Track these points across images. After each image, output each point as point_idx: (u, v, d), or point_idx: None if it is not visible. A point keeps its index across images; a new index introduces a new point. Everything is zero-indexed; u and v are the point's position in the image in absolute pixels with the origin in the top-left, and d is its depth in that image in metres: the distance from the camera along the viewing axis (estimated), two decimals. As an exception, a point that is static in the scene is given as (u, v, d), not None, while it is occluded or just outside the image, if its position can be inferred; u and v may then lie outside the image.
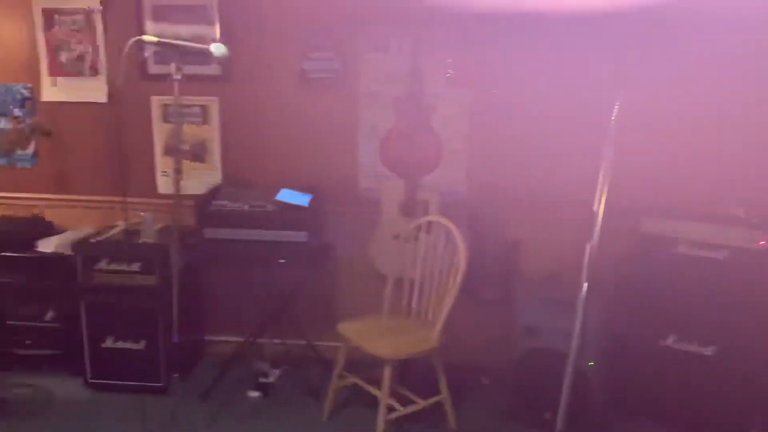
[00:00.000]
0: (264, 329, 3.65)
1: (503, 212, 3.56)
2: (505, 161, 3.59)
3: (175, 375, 3.48)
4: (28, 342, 3.63)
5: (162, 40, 2.36)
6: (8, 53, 3.76)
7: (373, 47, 3.58)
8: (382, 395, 2.96)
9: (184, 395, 3.44)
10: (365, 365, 3.20)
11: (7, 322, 3.58)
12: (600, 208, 2.10)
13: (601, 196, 2.11)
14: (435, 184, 3.60)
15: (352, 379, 3.25)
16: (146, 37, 2.24)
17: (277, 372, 3.69)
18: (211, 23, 3.59)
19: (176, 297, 2.69)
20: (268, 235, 3.31)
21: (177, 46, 2.29)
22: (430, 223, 3.22)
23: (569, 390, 2.29)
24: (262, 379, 3.60)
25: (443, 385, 3.16)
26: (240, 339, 3.72)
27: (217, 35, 3.58)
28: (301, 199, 3.39)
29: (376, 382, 3.04)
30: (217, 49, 2.13)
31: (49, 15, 3.68)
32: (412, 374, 3.28)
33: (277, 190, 3.46)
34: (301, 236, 3.32)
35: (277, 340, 3.75)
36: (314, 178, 3.67)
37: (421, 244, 3.21)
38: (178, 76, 2.37)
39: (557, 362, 2.70)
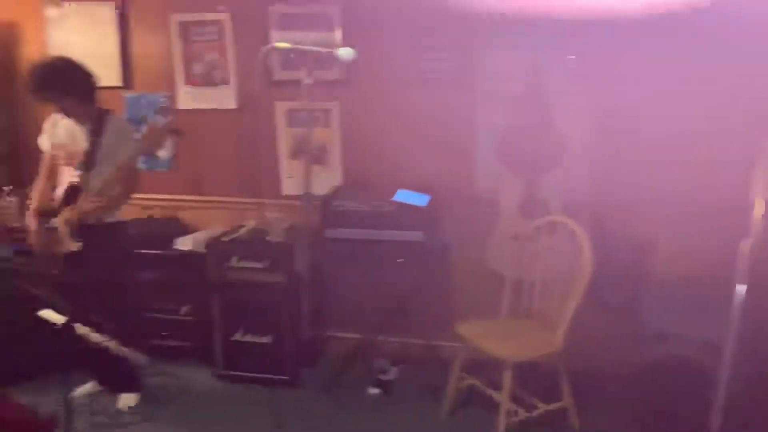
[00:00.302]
0: (383, 327, 3.71)
1: (631, 211, 3.40)
2: (633, 158, 3.43)
3: (301, 369, 3.62)
4: (165, 333, 3.91)
5: (294, 46, 2.47)
6: (148, 64, 4.07)
7: (492, 44, 3.53)
8: (503, 398, 2.92)
9: (308, 389, 3.57)
10: (484, 367, 3.17)
11: (147, 315, 3.87)
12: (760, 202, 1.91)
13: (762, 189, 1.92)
14: (556, 183, 3.50)
15: (471, 381, 3.23)
16: (279, 44, 2.35)
17: (395, 370, 3.74)
18: (332, 29, 3.69)
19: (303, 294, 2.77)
20: (386, 234, 3.37)
21: (307, 51, 2.38)
22: (552, 224, 3.13)
23: (721, 409, 2.11)
24: (382, 377, 3.66)
25: (566, 390, 3.07)
26: (360, 336, 3.80)
27: (340, 41, 3.68)
28: (418, 200, 3.41)
29: (496, 385, 3.01)
30: (345, 52, 2.20)
31: (184, 28, 3.95)
32: (533, 378, 3.21)
33: (394, 191, 3.51)
34: (418, 236, 3.35)
35: (395, 338, 3.80)
36: (431, 178, 3.68)
37: (543, 245, 3.13)
38: (310, 81, 2.46)
39: (689, 372, 2.55)
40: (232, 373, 3.66)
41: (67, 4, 4.09)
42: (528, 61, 3.47)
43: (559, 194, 3.40)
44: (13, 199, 3.81)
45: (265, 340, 3.58)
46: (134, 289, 3.70)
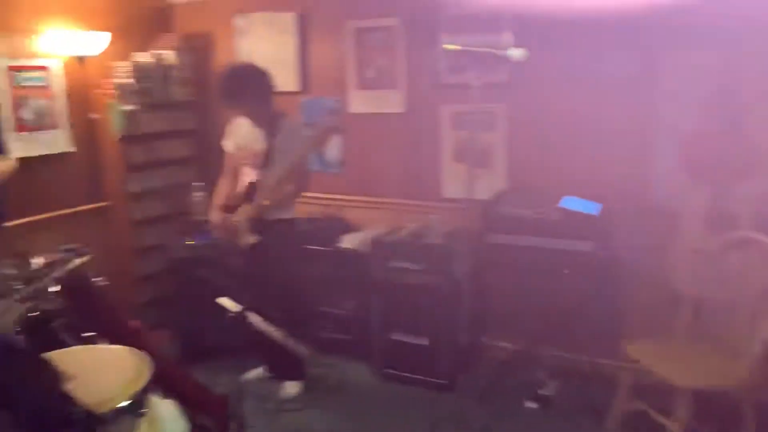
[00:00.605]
0: (543, 338, 3.57)
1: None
2: None
3: (458, 374, 3.59)
4: (329, 327, 4.07)
5: (464, 47, 2.45)
6: (323, 69, 4.27)
7: (677, 42, 3.26)
8: (674, 428, 2.68)
9: (463, 395, 3.53)
10: (654, 391, 2.92)
11: (315, 308, 4.06)
12: None
13: None
14: (748, 195, 3.13)
15: (640, 405, 3.00)
16: (448, 46, 2.34)
17: (555, 384, 3.58)
18: (502, 32, 3.62)
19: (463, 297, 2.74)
20: (552, 243, 3.23)
21: (477, 52, 2.35)
22: (743, 239, 2.81)
23: None
24: (540, 391, 3.52)
25: (751, 426, 2.74)
26: (519, 346, 3.69)
27: (511, 43, 3.60)
28: (588, 207, 3.24)
29: (667, 412, 2.76)
30: (516, 53, 2.14)
31: (358, 34, 4.09)
32: (710, 408, 2.91)
33: (560, 198, 3.36)
34: (586, 246, 3.17)
35: (556, 352, 3.64)
36: (601, 185, 3.47)
37: (732, 263, 2.82)
38: (478, 83, 2.43)
39: None
40: (389, 371, 3.73)
41: (253, 14, 4.41)
42: (718, 60, 3.15)
43: (751, 207, 3.04)
44: (201, 195, 4.18)
45: (422, 341, 3.60)
46: (304, 283, 3.92)
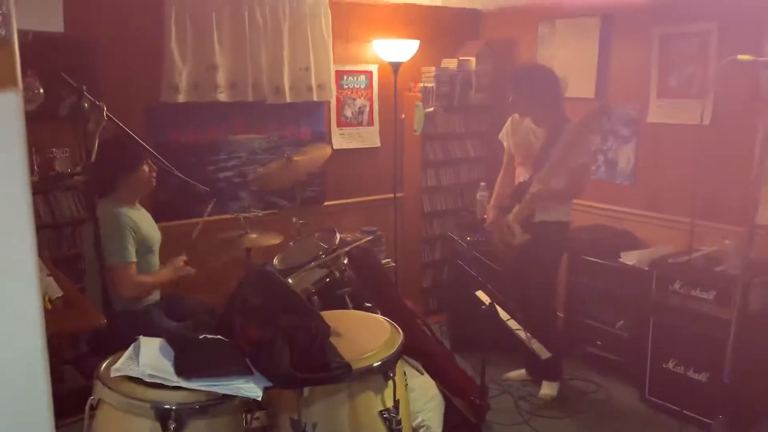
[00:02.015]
0: None
1: None
2: None
3: (740, 421, 3.20)
4: (598, 343, 3.94)
5: (759, 59, 2.19)
6: (623, 76, 4.11)
7: None
8: None
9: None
10: None
11: (583, 320, 3.97)
12: None
13: None
14: None
15: None
16: (742, 57, 2.11)
17: None
18: None
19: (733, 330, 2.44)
20: None
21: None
22: None
23: None
24: None
25: None
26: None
27: None
28: None
29: None
30: None
31: (665, 40, 3.84)
32: None
33: None
34: None
35: None
36: None
37: None
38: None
39: None
40: (657, 400, 3.47)
41: (558, 20, 4.44)
42: None
43: None
44: (485, 194, 4.38)
45: (699, 376, 3.28)
46: (575, 291, 3.85)
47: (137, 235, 2.84)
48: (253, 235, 3.39)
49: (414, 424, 2.74)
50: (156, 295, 3.00)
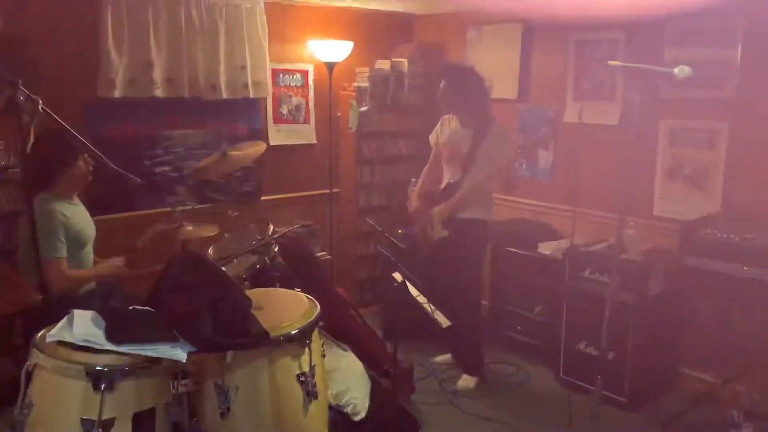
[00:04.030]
0: (743, 376, 3.32)
1: None
2: None
3: (644, 395, 3.51)
4: (519, 328, 4.22)
5: (625, 64, 2.48)
6: (543, 80, 4.41)
7: None
8: None
9: (646, 419, 3.44)
10: None
11: (505, 307, 4.24)
12: None
13: None
14: None
15: None
16: (612, 62, 2.38)
17: (750, 427, 3.30)
18: (733, 46, 3.43)
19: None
20: (756, 273, 3.00)
21: (641, 69, 2.37)
22: None
23: None
24: (732, 430, 3.28)
25: None
26: (714, 379, 3.47)
27: (738, 59, 3.41)
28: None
29: None
30: (681, 71, 2.11)
31: (580, 46, 4.15)
32: None
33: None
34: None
35: (755, 392, 3.35)
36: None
37: None
38: (637, 99, 2.45)
39: None
40: (570, 379, 3.76)
41: (485, 26, 4.70)
42: None
43: None
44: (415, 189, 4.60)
45: (607, 356, 3.57)
46: (498, 280, 4.09)
47: (69, 231, 2.90)
48: (189, 228, 3.51)
49: (342, 401, 2.93)
50: (92, 284, 3.08)
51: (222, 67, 4.12)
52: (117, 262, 3.11)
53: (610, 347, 3.53)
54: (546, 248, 4.04)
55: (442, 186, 3.75)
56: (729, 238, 3.13)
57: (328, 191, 4.80)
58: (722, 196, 3.57)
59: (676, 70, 2.13)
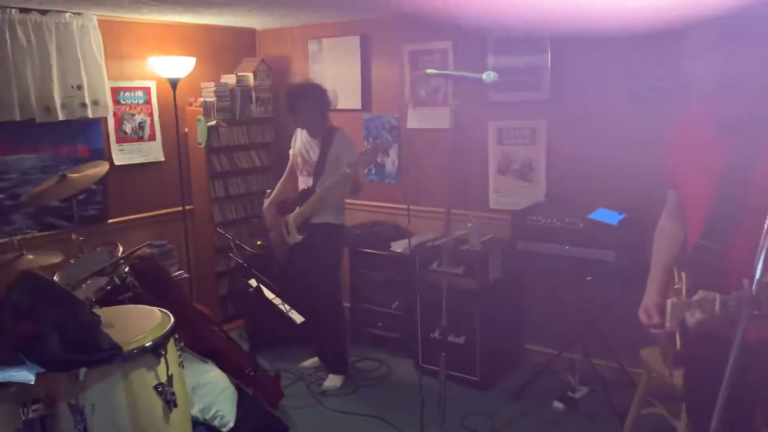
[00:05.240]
0: (575, 345, 3.73)
1: None
2: None
3: (495, 374, 3.83)
4: (379, 324, 4.43)
5: (441, 72, 2.80)
6: (383, 89, 4.67)
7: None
8: (680, 428, 2.80)
9: (497, 394, 3.77)
10: (671, 395, 3.04)
11: (365, 305, 4.43)
12: None
13: None
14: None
15: (657, 408, 3.12)
16: (429, 71, 2.66)
17: (584, 390, 3.73)
18: (543, 52, 3.87)
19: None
20: (576, 251, 3.41)
21: (453, 76, 2.66)
22: None
23: None
24: (569, 393, 3.68)
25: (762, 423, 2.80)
26: (554, 351, 3.88)
27: (549, 64, 3.85)
28: (612, 218, 3.40)
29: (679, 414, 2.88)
30: (487, 76, 2.40)
31: (414, 56, 4.45)
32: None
33: (595, 209, 3.53)
34: (609, 255, 3.33)
35: (589, 358, 3.79)
36: (637, 198, 3.61)
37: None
38: (457, 101, 2.75)
39: None
40: (429, 366, 4.01)
41: (324, 39, 4.89)
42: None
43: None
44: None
45: (458, 340, 3.86)
46: (357, 281, 4.25)
47: None
48: (30, 257, 3.35)
49: (209, 415, 2.94)
50: None
51: (56, 87, 3.95)
52: None
53: (461, 333, 3.85)
54: (398, 246, 4.28)
55: (297, 193, 3.87)
56: (552, 223, 3.53)
57: (181, 209, 4.74)
58: (546, 186, 4.00)
59: (483, 76, 2.40)
